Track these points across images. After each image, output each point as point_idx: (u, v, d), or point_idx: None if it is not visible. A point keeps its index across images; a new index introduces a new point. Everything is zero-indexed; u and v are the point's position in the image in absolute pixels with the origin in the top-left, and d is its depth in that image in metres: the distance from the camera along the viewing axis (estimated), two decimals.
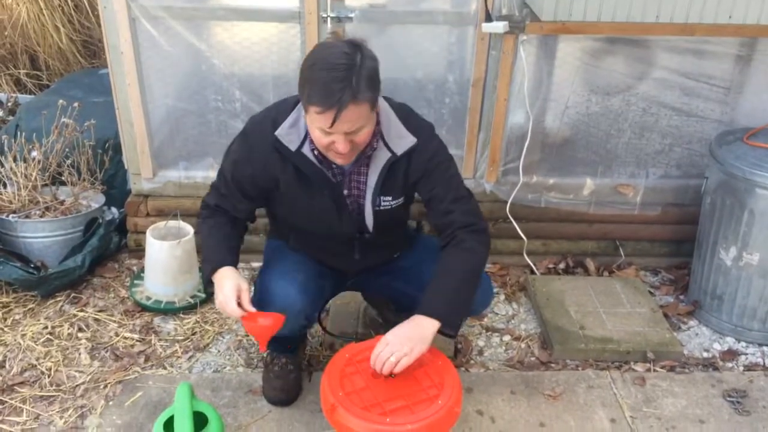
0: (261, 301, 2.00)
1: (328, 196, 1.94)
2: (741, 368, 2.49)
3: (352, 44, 1.69)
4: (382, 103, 1.90)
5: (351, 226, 2.01)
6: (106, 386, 2.30)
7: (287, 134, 1.87)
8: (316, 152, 1.88)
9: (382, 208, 1.98)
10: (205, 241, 2.03)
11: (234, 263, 1.97)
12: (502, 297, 2.84)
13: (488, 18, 2.55)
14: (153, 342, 2.51)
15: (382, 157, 1.91)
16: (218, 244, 1.99)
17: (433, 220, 2.00)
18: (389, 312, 2.45)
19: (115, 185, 3.14)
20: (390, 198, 1.97)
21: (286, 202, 2.00)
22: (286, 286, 1.97)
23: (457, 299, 1.89)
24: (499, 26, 2.50)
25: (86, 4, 4.50)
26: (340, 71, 1.63)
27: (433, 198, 1.96)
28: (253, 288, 2.10)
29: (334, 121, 1.66)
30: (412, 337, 1.79)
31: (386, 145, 1.90)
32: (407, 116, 1.95)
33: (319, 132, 1.74)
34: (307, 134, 1.87)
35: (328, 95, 1.63)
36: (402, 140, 1.90)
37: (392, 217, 2.03)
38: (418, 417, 1.69)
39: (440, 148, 1.97)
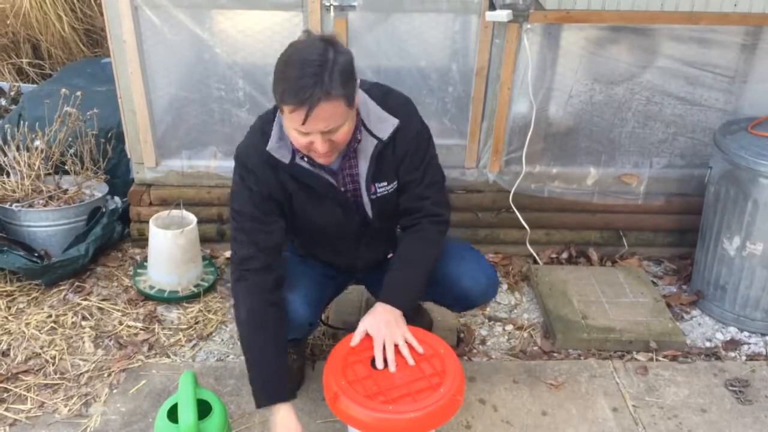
0: None
1: (332, 199, 1.92)
2: (743, 358, 2.50)
3: (324, 40, 1.66)
4: (358, 92, 1.82)
5: (356, 221, 2.00)
6: (110, 374, 2.31)
7: (278, 148, 1.83)
8: (306, 159, 1.83)
9: (378, 195, 1.95)
10: (248, 342, 1.88)
11: (291, 391, 1.87)
12: (505, 287, 2.84)
13: (492, 6, 2.54)
14: (156, 331, 2.52)
15: (369, 145, 1.87)
16: (263, 357, 1.86)
17: (404, 202, 1.98)
18: None
19: (118, 174, 3.14)
20: (385, 183, 1.94)
21: (295, 212, 1.96)
22: (293, 298, 1.98)
23: (416, 290, 1.96)
24: (502, 15, 2.49)
25: None
26: (312, 67, 1.60)
27: (411, 181, 1.94)
28: None
29: (306, 119, 1.62)
30: (389, 320, 1.85)
31: (369, 132, 1.86)
32: (384, 97, 1.89)
33: (295, 133, 1.70)
34: None
35: (299, 92, 1.59)
36: (384, 124, 1.86)
37: (391, 203, 2.00)
38: (421, 405, 1.70)
39: (423, 125, 1.94)
